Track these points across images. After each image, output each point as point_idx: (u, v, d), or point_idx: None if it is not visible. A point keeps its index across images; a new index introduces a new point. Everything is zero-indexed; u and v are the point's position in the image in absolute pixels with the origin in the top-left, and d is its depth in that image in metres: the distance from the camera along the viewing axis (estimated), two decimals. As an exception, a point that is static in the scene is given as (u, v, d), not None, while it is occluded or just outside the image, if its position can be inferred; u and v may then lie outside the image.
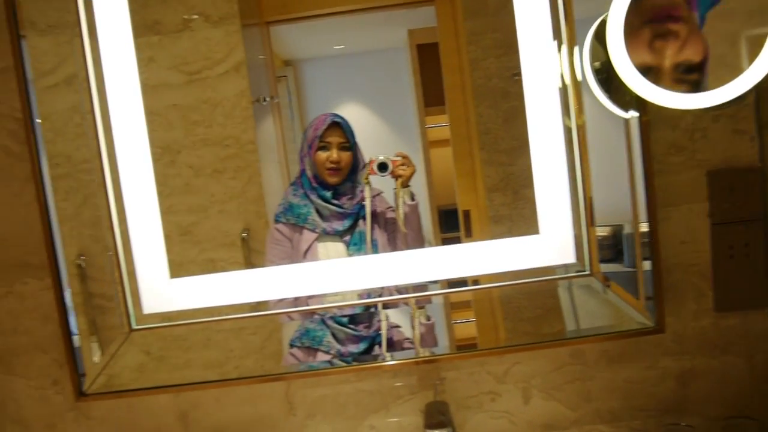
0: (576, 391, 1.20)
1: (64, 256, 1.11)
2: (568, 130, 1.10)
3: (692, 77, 0.98)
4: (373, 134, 1.19)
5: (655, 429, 1.17)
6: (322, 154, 1.17)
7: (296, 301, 1.17)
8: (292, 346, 1.20)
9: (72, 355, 1.13)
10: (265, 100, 1.19)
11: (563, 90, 1.09)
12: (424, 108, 1.19)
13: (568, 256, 1.12)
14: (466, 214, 1.16)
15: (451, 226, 1.17)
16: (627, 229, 1.12)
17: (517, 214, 1.14)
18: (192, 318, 1.16)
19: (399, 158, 1.16)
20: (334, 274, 1.15)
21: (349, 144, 1.17)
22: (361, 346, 1.19)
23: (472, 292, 1.16)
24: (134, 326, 1.16)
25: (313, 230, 1.18)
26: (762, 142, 1.13)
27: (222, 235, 1.16)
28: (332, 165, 1.17)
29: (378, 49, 1.20)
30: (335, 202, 1.19)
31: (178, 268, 1.16)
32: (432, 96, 1.19)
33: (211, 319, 1.16)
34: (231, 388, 1.20)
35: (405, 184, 1.17)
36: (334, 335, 1.19)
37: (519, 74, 1.10)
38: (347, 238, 1.19)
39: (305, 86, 1.21)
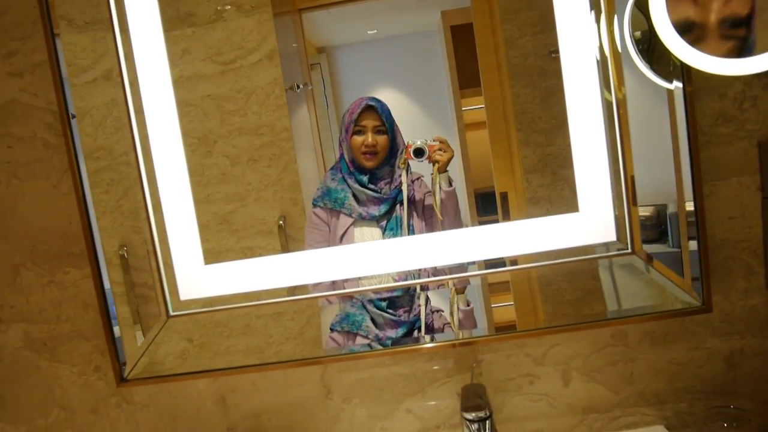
0: (618, 373, 1.17)
1: (102, 245, 1.14)
2: (608, 105, 1.07)
3: (739, 32, 0.93)
4: (408, 119, 1.18)
5: (702, 412, 1.13)
6: (358, 138, 1.16)
7: (333, 284, 1.17)
8: (332, 330, 1.20)
9: (113, 342, 1.15)
10: (298, 88, 1.19)
11: (602, 63, 1.06)
12: (459, 90, 1.17)
13: (609, 235, 1.09)
14: (504, 196, 1.14)
15: (489, 209, 1.15)
16: (671, 209, 1.09)
17: (556, 195, 1.12)
18: (229, 303, 1.17)
19: (436, 143, 1.15)
20: (370, 256, 1.15)
21: (385, 127, 1.15)
22: (400, 331, 1.17)
23: (510, 274, 1.14)
24: (171, 313, 1.18)
25: (349, 215, 1.17)
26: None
27: (259, 222, 1.17)
28: (367, 149, 1.16)
29: (411, 33, 1.19)
30: (372, 186, 1.17)
31: (217, 256, 1.18)
32: (467, 78, 1.16)
33: (245, 305, 1.17)
34: (268, 373, 1.21)
35: (443, 170, 1.15)
36: (373, 320, 1.18)
37: (556, 51, 1.07)
38: (383, 223, 1.18)
39: (339, 73, 1.20)
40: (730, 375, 1.16)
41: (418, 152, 1.15)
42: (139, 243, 1.16)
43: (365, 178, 1.17)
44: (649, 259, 1.10)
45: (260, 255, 1.17)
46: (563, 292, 1.15)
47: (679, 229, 1.08)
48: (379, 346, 1.16)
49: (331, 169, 1.19)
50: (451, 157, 1.15)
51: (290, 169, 1.16)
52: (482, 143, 1.15)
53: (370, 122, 1.15)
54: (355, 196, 1.18)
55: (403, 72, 1.18)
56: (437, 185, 1.15)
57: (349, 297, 1.18)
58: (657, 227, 1.10)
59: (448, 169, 1.15)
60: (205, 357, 1.17)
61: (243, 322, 1.17)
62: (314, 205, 1.18)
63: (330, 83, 1.20)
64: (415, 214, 1.17)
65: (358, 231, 1.18)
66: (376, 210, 1.18)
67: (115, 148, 1.14)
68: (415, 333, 1.17)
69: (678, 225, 1.08)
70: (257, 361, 1.16)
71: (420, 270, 1.16)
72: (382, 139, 1.16)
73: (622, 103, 1.06)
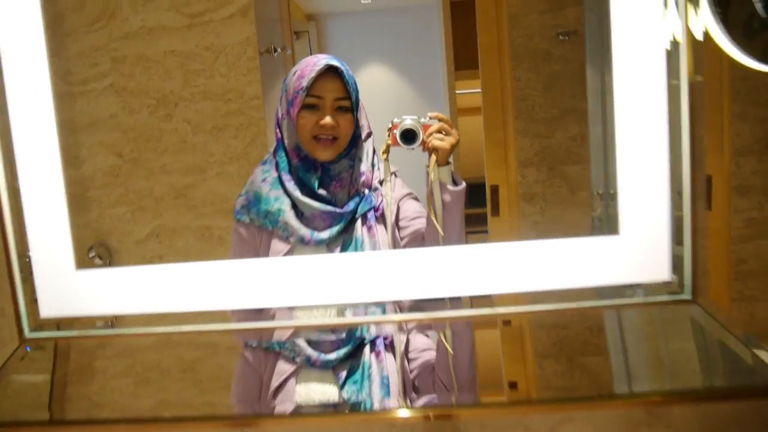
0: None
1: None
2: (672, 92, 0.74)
3: None
4: (397, 98, 1.08)
5: None
6: (309, 116, 0.82)
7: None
8: (246, 345, 0.87)
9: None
10: (275, 51, 1.06)
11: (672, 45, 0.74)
12: (454, 71, 1.08)
13: (661, 271, 0.73)
14: (494, 189, 1.02)
15: (476, 201, 1.03)
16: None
17: (551, 193, 1.01)
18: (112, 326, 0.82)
19: (434, 121, 0.83)
20: (309, 276, 0.73)
21: (350, 101, 0.83)
22: (341, 353, 0.82)
23: (504, 317, 0.83)
24: (27, 335, 0.81)
25: (285, 239, 0.82)
26: None
27: (220, 199, 1.05)
28: (324, 132, 0.82)
29: (408, 6, 1.11)
30: (322, 193, 0.82)
31: (171, 233, 1.07)
32: (464, 59, 1.07)
33: (123, 332, 0.81)
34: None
35: (444, 161, 0.82)
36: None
37: (565, 34, 0.97)
38: (336, 248, 0.83)
39: (327, 43, 1.11)
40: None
41: (408, 136, 0.82)
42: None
43: (314, 179, 0.83)
44: (717, 310, 0.76)
45: (219, 236, 1.05)
46: (584, 344, 0.94)
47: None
48: (313, 383, 0.82)
49: (263, 163, 0.88)
50: (456, 142, 0.84)
51: (259, 142, 1.04)
52: (475, 131, 1.04)
53: (329, 93, 0.83)
54: (295, 207, 0.83)
55: (396, 47, 1.10)
56: (436, 184, 0.82)
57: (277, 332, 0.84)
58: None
59: (450, 160, 0.83)
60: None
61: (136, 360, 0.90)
62: (236, 219, 0.86)
63: (317, 53, 1.10)
64: (383, 230, 0.83)
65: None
66: (326, 231, 0.81)
67: None
68: (365, 352, 0.82)
69: None
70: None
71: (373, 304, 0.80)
72: (344, 120, 0.83)
73: (695, 87, 0.74)
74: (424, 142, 0.83)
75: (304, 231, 0.81)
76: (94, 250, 1.10)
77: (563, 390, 0.85)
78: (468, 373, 0.81)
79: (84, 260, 1.13)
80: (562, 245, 0.74)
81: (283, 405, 0.80)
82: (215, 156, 1.04)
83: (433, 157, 0.82)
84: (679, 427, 0.83)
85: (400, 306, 0.79)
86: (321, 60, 0.82)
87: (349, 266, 0.69)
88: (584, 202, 1.02)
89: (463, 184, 0.83)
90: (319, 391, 0.79)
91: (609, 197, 0.93)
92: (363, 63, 1.08)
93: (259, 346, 0.82)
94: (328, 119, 0.82)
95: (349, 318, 0.79)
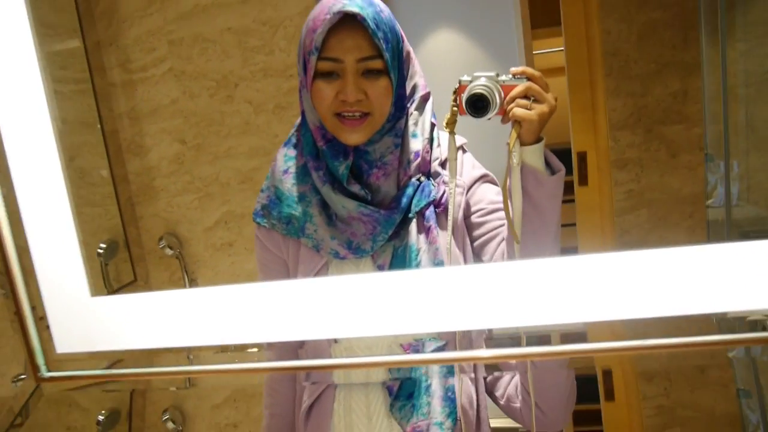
0: None
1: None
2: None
3: None
4: (468, 64, 1.00)
5: None
6: (327, 88, 0.57)
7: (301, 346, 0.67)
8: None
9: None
10: (337, 21, 1.01)
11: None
12: (530, 30, 0.99)
13: None
14: (581, 156, 0.93)
15: None
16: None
17: (648, 158, 0.91)
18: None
19: (520, 80, 0.56)
20: (345, 303, 0.51)
21: (383, 60, 0.57)
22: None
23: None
24: (44, 374, 0.69)
25: (317, 251, 0.62)
26: None
27: (287, 183, 1.01)
28: (349, 110, 0.57)
29: None
30: (355, 188, 0.60)
31: (239, 219, 1.05)
32: (542, 14, 0.99)
33: (156, 371, 0.65)
34: None
35: (532, 138, 0.56)
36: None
37: None
38: (384, 262, 0.62)
39: (393, 9, 1.04)
40: None
41: (478, 104, 0.55)
42: None
43: (343, 168, 0.60)
44: None
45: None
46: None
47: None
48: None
49: (286, 143, 0.65)
50: (551, 111, 0.56)
51: (324, 119, 1.00)
52: (558, 94, 0.94)
53: (350, 54, 0.56)
54: (326, 207, 0.62)
55: (465, 8, 1.02)
56: (516, 169, 0.55)
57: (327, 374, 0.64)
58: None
59: (543, 136, 0.57)
60: None
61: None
62: (257, 223, 0.65)
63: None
64: (444, 234, 0.60)
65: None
66: (368, 240, 0.60)
67: None
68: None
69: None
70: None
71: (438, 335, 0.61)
72: (376, 88, 0.57)
73: None
74: (503, 111, 0.55)
75: (339, 242, 0.60)
76: (164, 240, 1.09)
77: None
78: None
79: (155, 251, 1.11)
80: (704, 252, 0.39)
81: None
82: (279, 136, 1.01)
83: (516, 129, 0.55)
84: None
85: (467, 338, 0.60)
86: (335, 5, 0.54)
87: (397, 288, 0.47)
88: (687, 166, 0.91)
89: (562, 171, 0.57)
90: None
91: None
92: (431, 29, 1.02)
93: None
94: (350, 91, 0.56)
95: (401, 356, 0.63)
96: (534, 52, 0.98)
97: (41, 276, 0.54)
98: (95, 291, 0.49)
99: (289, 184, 0.63)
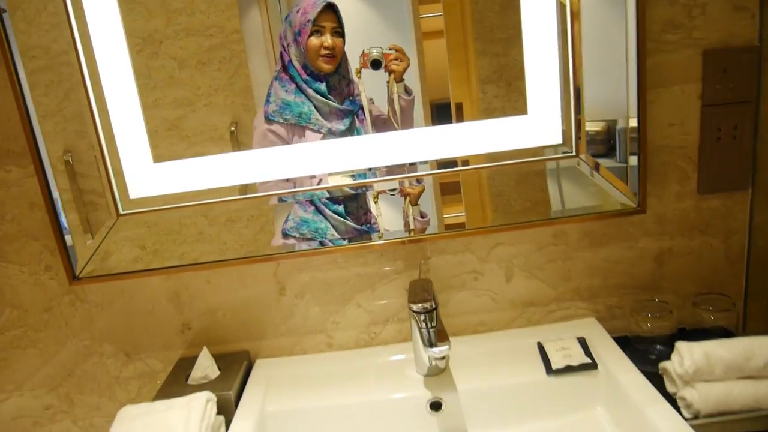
0: (557, 270, 1.25)
1: (46, 146, 1.09)
2: (562, 10, 1.07)
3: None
4: (364, 25, 1.13)
5: (629, 305, 1.22)
6: (315, 40, 1.10)
7: (286, 183, 1.17)
8: (287, 235, 1.19)
9: (62, 240, 1.14)
10: (250, -14, 1.13)
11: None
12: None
13: (555, 137, 1.13)
14: (459, 106, 1.14)
15: (444, 120, 1.15)
16: (621, 124, 1.11)
17: (509, 106, 1.12)
18: (179, 202, 1.17)
19: (392, 51, 1.12)
20: (323, 155, 1.15)
21: (342, 29, 1.11)
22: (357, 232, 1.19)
23: (462, 175, 1.17)
24: (122, 211, 1.17)
25: (317, 130, 1.14)
26: (762, 19, 1.10)
27: (210, 129, 1.14)
28: (327, 51, 1.10)
29: None
30: (331, 97, 1.13)
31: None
32: None
33: (196, 203, 1.16)
34: (222, 271, 1.23)
35: (398, 79, 1.13)
36: (335, 227, 1.19)
37: None
38: (348, 135, 1.17)
39: None
40: (658, 272, 1.24)
41: (376, 64, 1.12)
42: (84, 148, 1.12)
43: (323, 87, 1.13)
44: (595, 165, 1.13)
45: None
46: (513, 202, 1.18)
47: (626, 142, 1.11)
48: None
49: (277, 78, 1.13)
50: (407, 66, 1.12)
51: (241, 73, 1.12)
52: (439, 53, 1.13)
53: (328, 23, 1.10)
54: (317, 108, 1.14)
55: None
56: (395, 95, 1.13)
57: (306, 201, 1.17)
58: (607, 142, 1.14)
59: (404, 77, 1.13)
60: (156, 263, 1.18)
61: (196, 230, 1.17)
62: (270, 120, 1.13)
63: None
64: (372, 128, 1.16)
65: None
66: (340, 124, 1.14)
67: (52, 46, 1.08)
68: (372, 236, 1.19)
69: (625, 138, 1.10)
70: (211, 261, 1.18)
71: (373, 170, 1.16)
72: (339, 42, 1.11)
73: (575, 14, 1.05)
74: (385, 66, 1.12)
75: (329, 123, 1.14)
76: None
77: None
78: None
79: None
80: (496, 123, 1.14)
81: None
82: (202, 89, 1.12)
83: (392, 76, 1.13)
84: (572, 242, 1.26)
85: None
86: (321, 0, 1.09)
87: (364, 145, 1.16)
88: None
89: (413, 95, 1.13)
90: None
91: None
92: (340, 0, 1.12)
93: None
94: (330, 41, 1.10)
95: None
96: (420, 16, 1.12)
97: (121, 146, 1.17)
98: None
99: (292, 98, 1.13)
